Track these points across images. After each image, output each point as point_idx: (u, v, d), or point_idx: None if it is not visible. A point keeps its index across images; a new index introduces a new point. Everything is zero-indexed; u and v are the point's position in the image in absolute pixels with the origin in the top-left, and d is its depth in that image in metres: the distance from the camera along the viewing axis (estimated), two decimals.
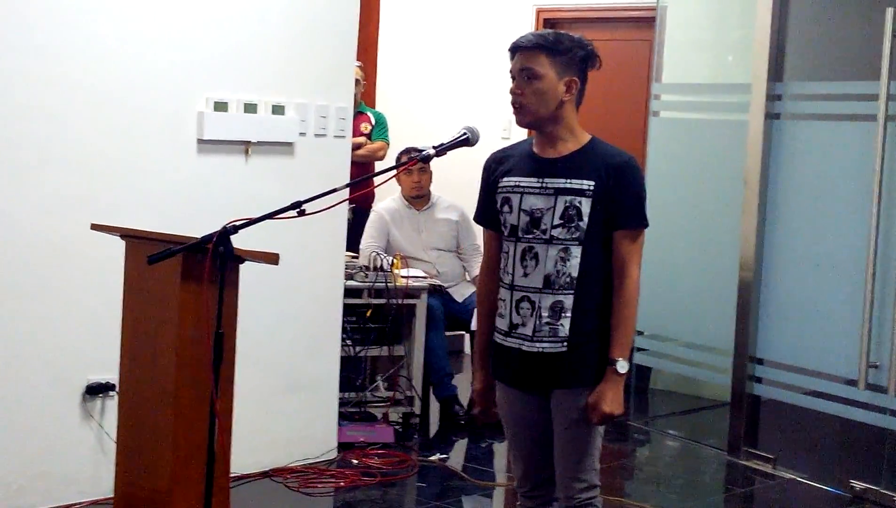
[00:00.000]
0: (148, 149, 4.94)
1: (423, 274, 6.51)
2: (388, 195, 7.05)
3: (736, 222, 6.13)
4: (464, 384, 6.84)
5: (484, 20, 8.61)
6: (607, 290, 3.46)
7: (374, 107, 8.16)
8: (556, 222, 3.41)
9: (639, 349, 6.73)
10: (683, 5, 6.87)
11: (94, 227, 4.16)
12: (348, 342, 6.07)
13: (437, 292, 6.60)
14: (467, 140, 3.56)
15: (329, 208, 3.52)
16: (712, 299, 6.35)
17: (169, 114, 5.00)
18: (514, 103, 3.45)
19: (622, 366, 3.42)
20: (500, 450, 6.14)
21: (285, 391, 5.50)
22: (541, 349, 3.45)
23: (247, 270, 3.77)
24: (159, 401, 3.85)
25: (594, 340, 3.45)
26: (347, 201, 5.55)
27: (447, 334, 6.75)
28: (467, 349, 7.99)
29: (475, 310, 6.51)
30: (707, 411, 7.14)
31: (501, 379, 3.61)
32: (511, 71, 3.46)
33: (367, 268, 6.21)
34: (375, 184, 6.18)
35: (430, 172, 6.87)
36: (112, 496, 4.12)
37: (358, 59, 6.09)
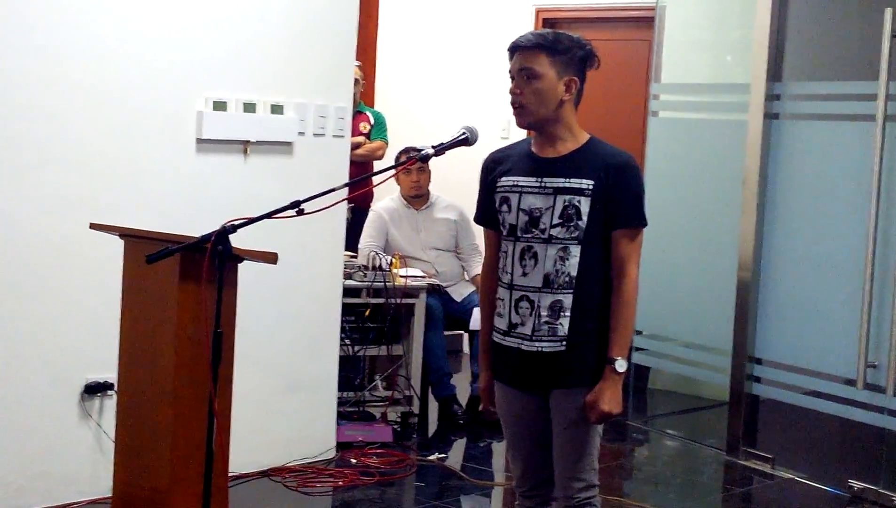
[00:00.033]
0: (147, 148, 4.94)
1: (421, 274, 6.51)
2: (386, 195, 7.06)
3: (735, 222, 6.13)
4: (462, 384, 6.84)
5: (483, 20, 8.61)
6: (606, 289, 3.46)
7: (373, 106, 8.16)
8: (555, 221, 3.42)
9: (637, 349, 6.73)
10: (682, 5, 6.87)
11: (93, 226, 4.16)
12: (347, 341, 6.07)
13: (435, 291, 6.60)
14: (466, 140, 3.57)
15: (328, 207, 3.53)
16: (711, 299, 6.35)
17: (168, 113, 5.00)
18: (513, 103, 3.45)
19: (621, 365, 3.42)
20: (499, 450, 6.14)
21: (284, 391, 5.50)
22: (540, 349, 3.46)
23: (245, 269, 3.78)
24: (158, 401, 3.85)
25: (593, 339, 3.45)
26: (346, 201, 5.55)
27: (446, 333, 6.75)
28: (466, 348, 7.98)
29: (474, 310, 6.62)
30: (706, 410, 7.14)
31: (500, 379, 3.62)
32: (510, 71, 3.46)
33: (366, 267, 6.21)
34: (374, 183, 6.23)
35: (429, 172, 6.87)
36: (111, 495, 4.13)
37: (357, 59, 6.09)
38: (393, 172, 4.01)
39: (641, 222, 3.48)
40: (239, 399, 3.93)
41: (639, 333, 6.66)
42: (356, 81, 6.96)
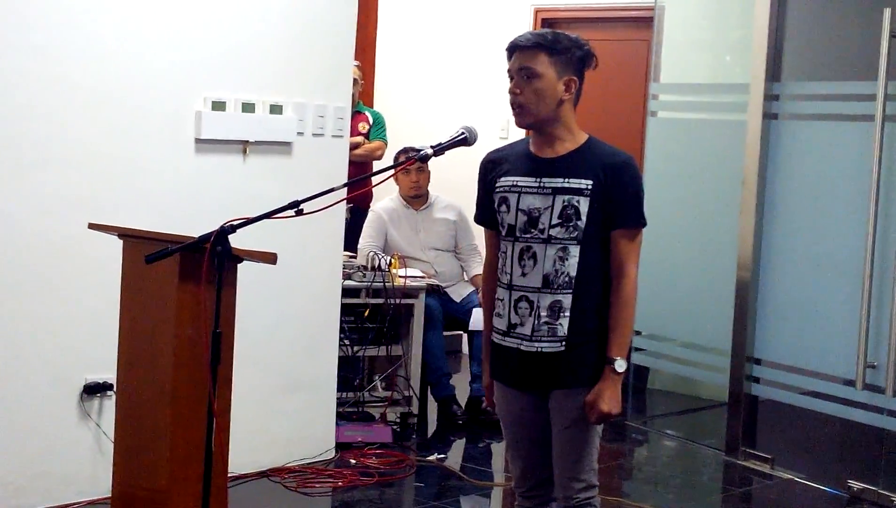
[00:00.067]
0: (146, 148, 4.94)
1: (420, 274, 6.51)
2: (386, 195, 7.05)
3: (734, 222, 6.13)
4: (462, 385, 6.83)
5: (482, 20, 8.61)
6: (606, 289, 3.46)
7: (372, 106, 8.16)
8: (554, 221, 3.41)
9: (637, 349, 6.74)
10: (681, 5, 6.87)
11: (92, 226, 4.16)
12: (346, 341, 6.07)
13: (435, 291, 6.60)
14: (465, 140, 3.56)
15: (327, 207, 3.53)
16: (710, 300, 6.35)
17: (168, 113, 5.00)
18: (513, 103, 3.45)
19: (620, 365, 3.42)
20: (498, 450, 6.14)
21: (283, 391, 5.50)
22: (539, 349, 3.46)
23: (244, 269, 3.77)
24: (157, 401, 3.85)
25: (593, 339, 3.45)
26: (345, 201, 5.55)
27: (445, 333, 6.75)
28: (465, 348, 7.97)
29: (473, 310, 6.62)
30: (705, 411, 7.14)
31: (499, 379, 3.62)
32: (509, 70, 3.46)
33: (365, 268, 6.21)
34: (373, 184, 6.25)
35: (428, 172, 6.87)
36: (110, 495, 4.13)
37: (356, 59, 6.09)
38: (392, 172, 4.00)
39: (640, 222, 3.48)
40: (238, 400, 3.92)
41: (638, 333, 6.66)
42: (355, 81, 6.96)
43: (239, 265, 3.74)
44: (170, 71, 4.99)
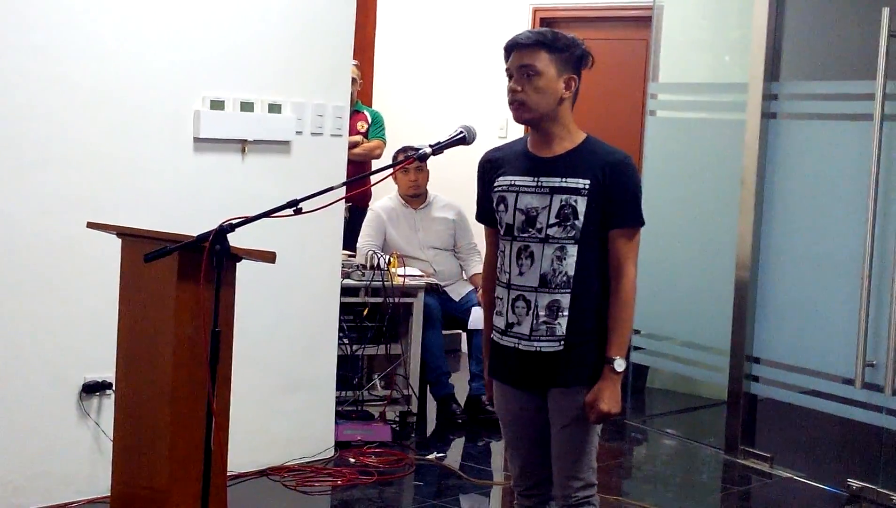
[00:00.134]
0: (145, 148, 4.94)
1: (419, 273, 6.51)
2: (384, 194, 7.06)
3: (733, 222, 6.13)
4: (461, 383, 6.84)
5: (480, 19, 8.61)
6: (604, 289, 3.46)
7: (370, 106, 8.16)
8: (552, 220, 3.42)
9: (636, 348, 6.74)
10: (680, 5, 6.88)
11: (91, 225, 4.16)
12: (345, 340, 6.07)
13: (433, 290, 6.60)
14: (464, 139, 3.57)
15: (325, 206, 3.53)
16: (709, 298, 6.35)
17: (167, 113, 5.00)
18: (513, 101, 3.44)
19: (619, 365, 3.42)
20: (498, 449, 6.15)
21: (282, 390, 5.50)
22: (538, 349, 3.46)
23: (243, 268, 3.78)
24: (156, 400, 3.85)
25: (592, 339, 3.46)
26: (344, 200, 5.55)
27: (444, 332, 6.75)
28: (464, 347, 7.98)
29: (472, 309, 6.62)
30: (704, 410, 7.14)
31: (498, 377, 3.62)
32: (508, 69, 3.46)
33: (364, 267, 6.21)
34: (372, 183, 6.26)
35: (427, 171, 6.88)
36: (109, 495, 4.13)
37: (355, 59, 6.09)
38: (390, 171, 4.01)
39: (638, 222, 3.48)
40: (237, 399, 3.93)
41: (637, 332, 6.67)
42: (353, 80, 6.97)
43: (238, 264, 3.74)
44: (169, 71, 4.99)
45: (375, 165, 7.56)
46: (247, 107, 5.23)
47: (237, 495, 4.95)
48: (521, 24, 8.07)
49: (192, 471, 3.66)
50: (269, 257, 3.66)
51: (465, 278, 6.97)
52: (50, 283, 4.72)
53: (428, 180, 6.93)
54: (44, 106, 4.65)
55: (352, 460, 5.65)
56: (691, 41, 6.90)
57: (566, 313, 3.43)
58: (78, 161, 4.75)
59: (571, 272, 3.43)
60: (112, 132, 4.83)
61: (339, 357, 5.83)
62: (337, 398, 5.84)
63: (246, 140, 5.26)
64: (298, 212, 3.40)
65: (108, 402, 4.77)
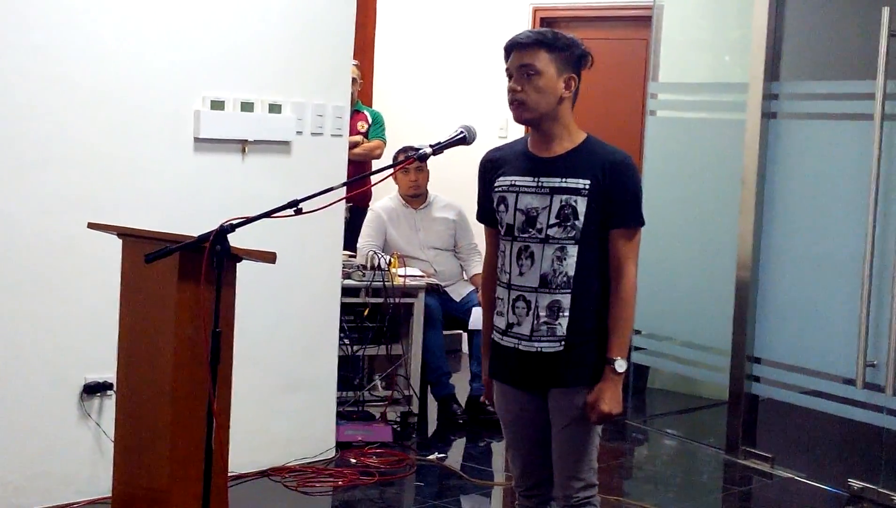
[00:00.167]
0: (146, 148, 4.94)
1: (420, 273, 6.51)
2: (385, 194, 7.05)
3: (733, 222, 6.13)
4: (462, 384, 6.83)
5: (480, 19, 8.61)
6: (604, 289, 3.46)
7: (371, 106, 8.16)
8: (552, 221, 3.41)
9: (637, 349, 6.73)
10: (680, 4, 6.87)
11: (91, 226, 4.16)
12: (346, 341, 6.07)
13: (434, 291, 6.60)
14: (464, 139, 3.56)
15: (326, 206, 3.53)
16: (710, 299, 6.35)
17: (167, 113, 5.00)
18: (513, 101, 3.44)
19: (620, 365, 3.42)
20: (499, 449, 6.14)
21: (283, 391, 5.50)
22: (539, 349, 3.46)
23: (244, 269, 3.77)
24: (157, 400, 3.85)
25: (592, 339, 3.45)
26: (344, 200, 5.55)
27: (445, 333, 6.75)
28: (465, 348, 7.98)
29: (472, 309, 6.62)
30: (705, 410, 7.14)
31: (499, 378, 3.62)
32: (508, 69, 3.46)
33: (365, 267, 6.21)
34: (372, 183, 6.25)
35: (427, 171, 6.87)
36: (110, 495, 4.12)
37: (355, 59, 6.09)
38: (391, 171, 4.00)
39: (639, 222, 3.48)
40: (238, 399, 3.92)
41: (638, 332, 6.67)
42: (354, 80, 6.96)
43: (238, 265, 3.74)
44: (169, 71, 4.99)
45: (376, 165, 7.56)
46: (247, 107, 5.23)
47: (238, 495, 4.95)
48: (522, 24, 8.06)
49: (192, 472, 3.65)
50: (270, 257, 3.66)
51: (465, 278, 6.97)
52: (50, 283, 4.72)
53: (428, 181, 6.92)
54: (44, 106, 4.64)
55: (353, 460, 5.65)
56: (691, 41, 6.90)
57: (566, 313, 3.43)
58: (78, 161, 4.75)
59: (572, 273, 3.42)
60: (112, 132, 4.83)
61: (340, 358, 5.83)
62: (338, 398, 5.84)
63: (246, 140, 5.26)
64: (299, 212, 3.40)
65: (109, 402, 4.77)
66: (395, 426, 6.24)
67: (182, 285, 3.74)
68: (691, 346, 6.60)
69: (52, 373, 4.75)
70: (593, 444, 3.53)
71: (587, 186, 3.40)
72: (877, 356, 5.43)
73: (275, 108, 5.33)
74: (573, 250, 3.42)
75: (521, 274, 3.47)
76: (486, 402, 3.85)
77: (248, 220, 3.47)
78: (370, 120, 7.67)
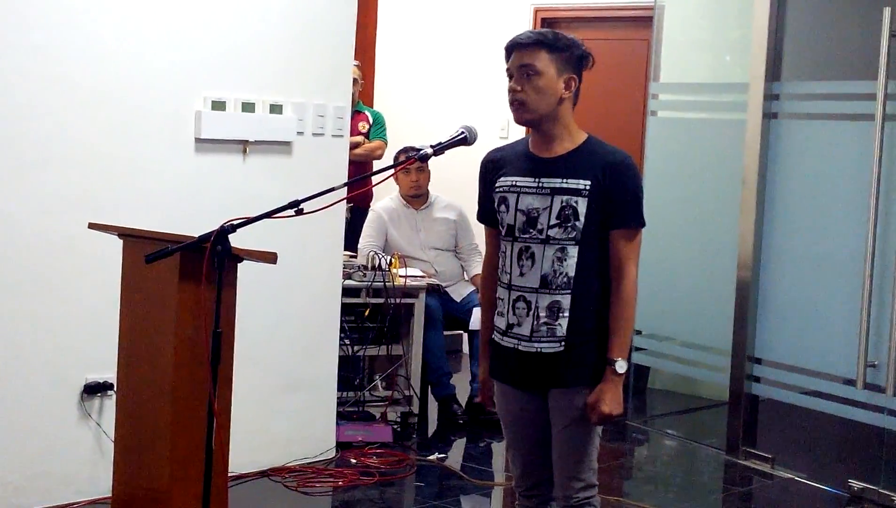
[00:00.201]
0: (146, 148, 4.94)
1: (421, 273, 6.51)
2: (386, 195, 7.06)
3: (734, 222, 6.13)
4: (462, 384, 6.83)
5: (481, 20, 8.61)
6: (605, 289, 3.46)
7: (372, 106, 8.16)
8: (553, 221, 3.41)
9: (637, 349, 6.73)
10: (681, 5, 6.87)
11: (92, 226, 4.16)
12: (346, 341, 6.07)
13: (435, 291, 6.60)
14: (465, 139, 3.56)
15: (327, 207, 3.52)
16: (710, 299, 6.35)
17: (167, 113, 5.00)
18: (513, 101, 3.44)
19: (621, 366, 3.42)
20: (499, 449, 6.14)
21: (283, 391, 5.50)
22: (539, 350, 3.46)
23: (245, 269, 3.77)
24: (157, 400, 3.85)
25: (592, 339, 3.45)
26: (345, 201, 5.55)
27: (445, 333, 6.75)
28: (465, 348, 7.98)
29: (473, 310, 6.62)
30: (705, 410, 7.14)
31: (499, 378, 3.62)
32: (509, 69, 3.46)
33: (366, 267, 6.21)
34: (373, 183, 6.25)
35: (428, 172, 6.87)
36: (110, 495, 4.12)
37: (356, 59, 6.09)
38: (392, 171, 4.00)
39: (639, 223, 3.47)
40: (238, 399, 3.92)
41: (638, 332, 6.66)
42: (355, 80, 6.96)
43: (239, 265, 3.74)
44: (170, 71, 4.99)
45: (377, 165, 7.56)
46: (248, 107, 5.23)
47: (238, 495, 4.95)
48: (523, 25, 8.06)
49: (192, 472, 3.65)
50: (271, 257, 3.66)
51: (466, 278, 6.97)
52: (50, 283, 4.72)
53: (429, 181, 6.92)
54: (44, 106, 4.64)
55: (353, 461, 5.65)
56: (692, 41, 6.90)
57: (566, 313, 3.43)
58: (78, 161, 4.75)
59: (572, 273, 3.42)
60: (112, 132, 4.83)
61: (341, 358, 5.83)
62: (338, 398, 5.84)
63: (247, 141, 5.26)
64: (300, 213, 3.40)
65: (110, 402, 4.77)
66: (396, 427, 6.24)
67: (183, 286, 3.74)
68: (692, 346, 6.60)
69: (53, 373, 4.75)
70: (593, 445, 3.53)
71: (588, 187, 3.40)
72: (877, 357, 5.43)
73: (276, 108, 5.33)
74: (573, 251, 3.42)
75: (521, 275, 3.47)
76: (483, 402, 3.84)
77: (249, 220, 3.47)
78: (371, 120, 7.67)
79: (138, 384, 3.96)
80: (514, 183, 3.49)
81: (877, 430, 5.63)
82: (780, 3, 5.97)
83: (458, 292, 6.85)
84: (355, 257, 6.53)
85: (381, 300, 6.19)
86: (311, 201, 3.43)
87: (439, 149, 3.53)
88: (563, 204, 3.40)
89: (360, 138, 7.48)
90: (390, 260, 6.32)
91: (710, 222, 6.43)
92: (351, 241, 6.45)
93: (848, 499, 5.52)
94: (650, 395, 7.43)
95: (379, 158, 7.64)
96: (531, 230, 3.44)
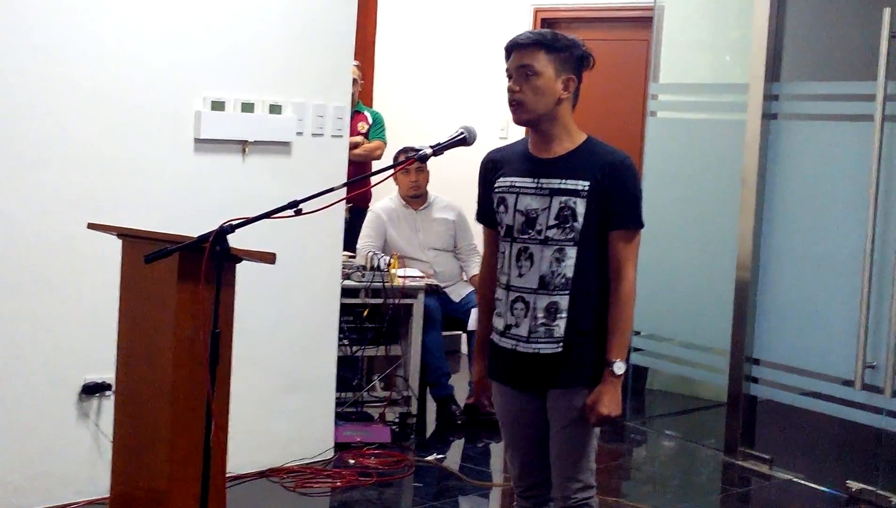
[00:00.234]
0: (146, 148, 4.94)
1: (420, 274, 6.51)
2: (385, 195, 7.05)
3: (733, 222, 6.13)
4: (461, 385, 6.84)
5: (481, 20, 8.61)
6: (603, 290, 3.46)
7: (371, 106, 8.16)
8: (551, 222, 3.41)
9: (636, 350, 6.73)
10: (681, 5, 6.88)
11: (91, 226, 4.15)
12: (345, 341, 6.07)
13: (434, 291, 6.60)
14: (464, 140, 3.56)
15: (326, 207, 3.52)
16: (709, 300, 6.35)
17: (167, 113, 5.00)
18: (511, 101, 3.45)
19: (619, 367, 3.42)
20: (497, 450, 6.14)
21: (282, 391, 5.50)
22: (537, 350, 3.46)
23: (244, 269, 3.77)
24: (156, 401, 3.85)
25: (590, 340, 3.45)
26: (345, 201, 5.55)
27: (444, 333, 6.74)
28: (464, 348, 7.98)
29: (472, 310, 6.62)
30: (704, 411, 7.14)
31: (497, 378, 3.62)
32: (508, 69, 3.46)
33: (364, 268, 6.21)
34: (373, 183, 6.24)
35: (428, 172, 6.87)
36: (109, 495, 4.12)
37: (355, 59, 6.09)
38: (391, 172, 3.99)
39: (638, 224, 3.47)
40: (237, 400, 3.92)
41: (637, 333, 6.66)
42: (354, 80, 6.96)
43: (238, 265, 3.74)
44: (169, 71, 4.99)
45: (376, 165, 7.56)
46: (247, 107, 5.23)
47: (237, 496, 4.95)
48: (523, 25, 8.06)
49: (191, 472, 3.65)
50: (270, 258, 3.66)
51: (465, 279, 6.97)
52: (50, 283, 4.72)
53: (428, 181, 6.92)
54: (44, 106, 4.64)
55: (351, 461, 5.65)
56: (692, 41, 6.90)
57: (564, 314, 3.43)
58: (78, 161, 4.75)
59: (570, 274, 3.42)
60: (112, 132, 4.83)
61: (339, 358, 5.83)
62: (337, 399, 5.84)
63: (246, 141, 5.26)
64: (299, 213, 3.40)
65: (108, 403, 4.77)
66: (394, 427, 6.24)
67: (181, 286, 3.74)
68: (690, 347, 6.60)
69: (52, 373, 4.75)
70: (591, 445, 3.53)
71: (586, 188, 3.40)
72: (876, 358, 5.43)
73: (275, 108, 5.33)
74: (572, 252, 3.42)
75: (520, 275, 3.47)
76: (476, 403, 3.84)
77: (249, 220, 3.47)
78: (371, 121, 7.67)
79: (137, 384, 3.96)
80: (512, 183, 3.49)
81: (875, 431, 5.64)
82: (780, 4, 5.98)
83: (457, 292, 6.85)
84: (354, 257, 6.53)
85: (379, 301, 6.19)
86: (311, 201, 3.43)
87: (439, 149, 3.53)
88: (562, 205, 3.40)
89: (359, 139, 7.48)
90: (389, 260, 6.32)
91: (709, 223, 6.43)
92: (350, 241, 6.44)
93: (846, 500, 5.52)
94: (649, 396, 7.43)
95: (378, 158, 7.64)
96: (530, 231, 3.44)
